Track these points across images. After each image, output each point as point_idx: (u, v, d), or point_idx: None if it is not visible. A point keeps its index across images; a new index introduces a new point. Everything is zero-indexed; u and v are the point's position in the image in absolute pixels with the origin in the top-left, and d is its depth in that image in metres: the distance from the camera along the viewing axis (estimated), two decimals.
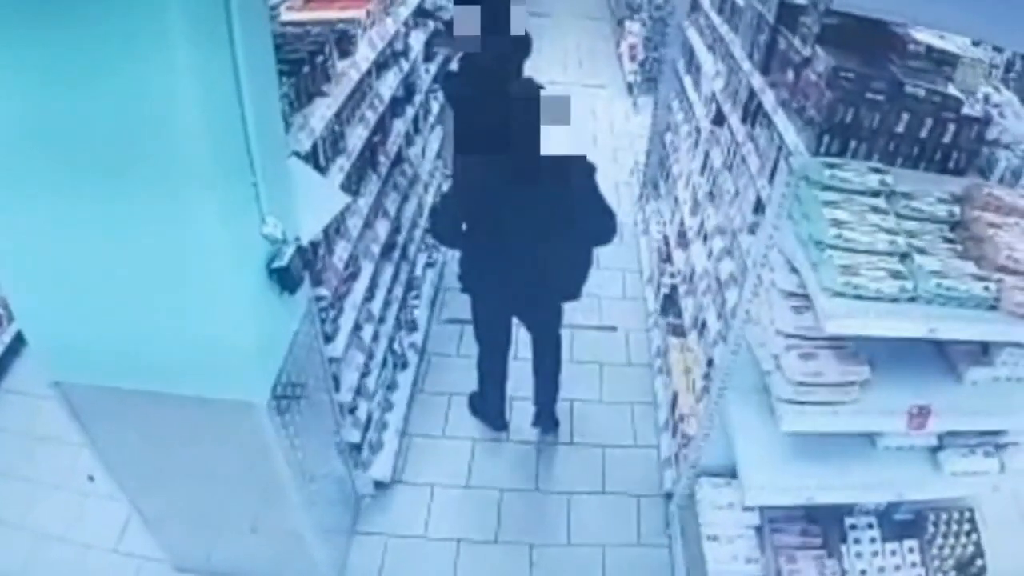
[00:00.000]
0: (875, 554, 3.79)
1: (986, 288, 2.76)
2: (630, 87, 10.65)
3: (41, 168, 2.43)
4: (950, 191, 3.06)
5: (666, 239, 6.36)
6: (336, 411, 4.13)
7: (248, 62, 2.51)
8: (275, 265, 2.94)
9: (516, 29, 4.76)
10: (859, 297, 2.74)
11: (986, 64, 3.53)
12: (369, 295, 4.70)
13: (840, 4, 3.06)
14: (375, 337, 4.84)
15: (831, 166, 3.00)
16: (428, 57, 6.30)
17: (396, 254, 5.40)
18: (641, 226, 7.40)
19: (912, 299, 2.76)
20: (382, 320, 5.03)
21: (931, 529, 3.85)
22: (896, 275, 2.77)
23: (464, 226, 4.34)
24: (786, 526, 3.87)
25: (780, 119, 3.58)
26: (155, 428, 3.33)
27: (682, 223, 5.73)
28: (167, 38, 2.13)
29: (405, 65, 5.31)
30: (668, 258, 6.12)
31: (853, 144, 3.15)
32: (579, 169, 4.08)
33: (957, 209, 3.01)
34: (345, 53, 4.01)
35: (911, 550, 3.82)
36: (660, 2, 9.68)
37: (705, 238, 5.05)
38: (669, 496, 4.76)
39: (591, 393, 5.76)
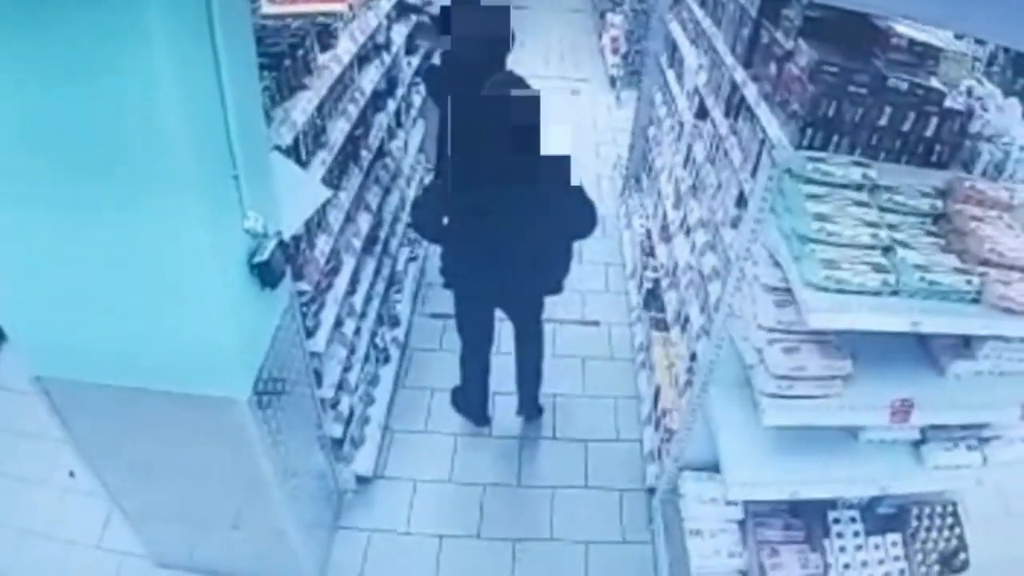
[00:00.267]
0: (858, 548, 3.81)
1: (969, 281, 2.77)
2: (613, 81, 10.64)
3: (20, 163, 2.41)
4: (933, 184, 3.07)
5: (649, 233, 6.37)
6: (318, 406, 4.11)
7: (229, 56, 2.50)
8: (256, 260, 2.93)
9: (500, 23, 4.77)
10: (842, 291, 2.75)
11: (969, 57, 3.53)
12: (351, 289, 4.68)
13: None
14: (357, 332, 4.82)
15: (814, 160, 3.01)
16: (410, 50, 6.28)
17: (378, 248, 5.38)
18: (624, 220, 7.39)
19: (895, 293, 2.77)
20: (364, 315, 5.01)
21: (914, 523, 3.87)
22: (879, 269, 2.78)
23: (446, 220, 4.33)
24: (769, 520, 3.88)
25: (763, 113, 3.57)
26: (136, 424, 3.32)
27: (665, 217, 5.73)
28: (147, 32, 2.11)
29: (387, 58, 5.29)
30: (651, 252, 6.11)
31: (836, 138, 3.15)
32: (556, 159, 4.06)
33: (940, 202, 3.02)
34: (326, 47, 4.00)
35: (894, 544, 3.83)
36: None
37: (688, 232, 5.05)
38: (652, 491, 4.76)
39: (574, 388, 5.75)
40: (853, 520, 3.87)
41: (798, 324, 2.97)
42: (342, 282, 4.41)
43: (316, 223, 3.99)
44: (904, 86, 3.06)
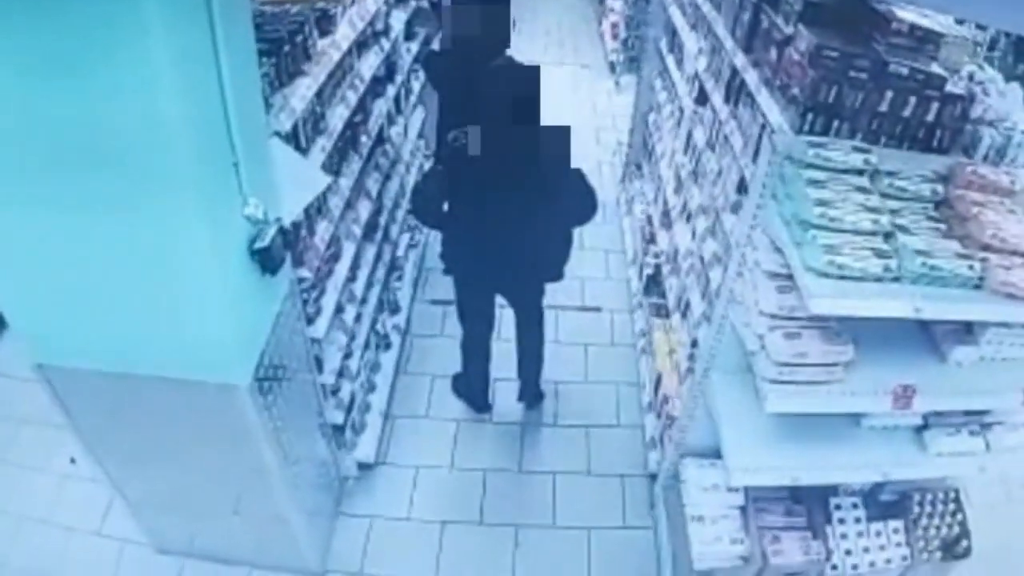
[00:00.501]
0: (860, 534, 3.80)
1: (971, 267, 2.76)
2: (612, 66, 10.59)
3: (19, 152, 2.40)
4: (934, 170, 3.05)
5: (649, 219, 6.36)
6: (319, 393, 4.11)
7: (228, 42, 2.49)
8: (257, 246, 2.93)
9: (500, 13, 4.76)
10: (843, 277, 2.73)
11: (970, 42, 3.51)
12: (351, 276, 4.68)
13: None
14: (358, 318, 4.81)
15: (815, 145, 2.99)
16: (409, 36, 6.25)
17: (378, 235, 5.37)
18: (624, 206, 7.38)
19: (896, 279, 2.76)
20: (364, 301, 5.01)
21: (916, 509, 3.86)
22: (880, 254, 2.77)
23: (446, 206, 4.32)
24: (771, 506, 3.87)
25: (763, 98, 3.56)
26: (138, 411, 3.32)
27: (665, 203, 5.73)
28: (146, 18, 2.10)
29: (386, 44, 5.27)
30: (652, 238, 6.11)
31: (836, 123, 3.14)
32: (556, 135, 4.04)
33: (941, 188, 3.01)
34: (325, 32, 3.99)
35: (896, 530, 3.83)
36: None
37: (688, 218, 5.05)
38: (654, 477, 4.77)
39: (575, 374, 5.76)
40: (855, 506, 3.87)
41: (800, 310, 2.97)
42: (342, 268, 4.41)
43: (316, 209, 3.98)
44: (905, 71, 3.04)
